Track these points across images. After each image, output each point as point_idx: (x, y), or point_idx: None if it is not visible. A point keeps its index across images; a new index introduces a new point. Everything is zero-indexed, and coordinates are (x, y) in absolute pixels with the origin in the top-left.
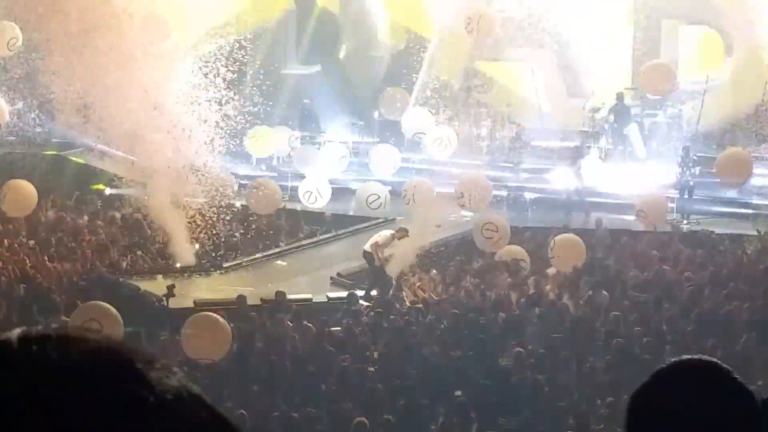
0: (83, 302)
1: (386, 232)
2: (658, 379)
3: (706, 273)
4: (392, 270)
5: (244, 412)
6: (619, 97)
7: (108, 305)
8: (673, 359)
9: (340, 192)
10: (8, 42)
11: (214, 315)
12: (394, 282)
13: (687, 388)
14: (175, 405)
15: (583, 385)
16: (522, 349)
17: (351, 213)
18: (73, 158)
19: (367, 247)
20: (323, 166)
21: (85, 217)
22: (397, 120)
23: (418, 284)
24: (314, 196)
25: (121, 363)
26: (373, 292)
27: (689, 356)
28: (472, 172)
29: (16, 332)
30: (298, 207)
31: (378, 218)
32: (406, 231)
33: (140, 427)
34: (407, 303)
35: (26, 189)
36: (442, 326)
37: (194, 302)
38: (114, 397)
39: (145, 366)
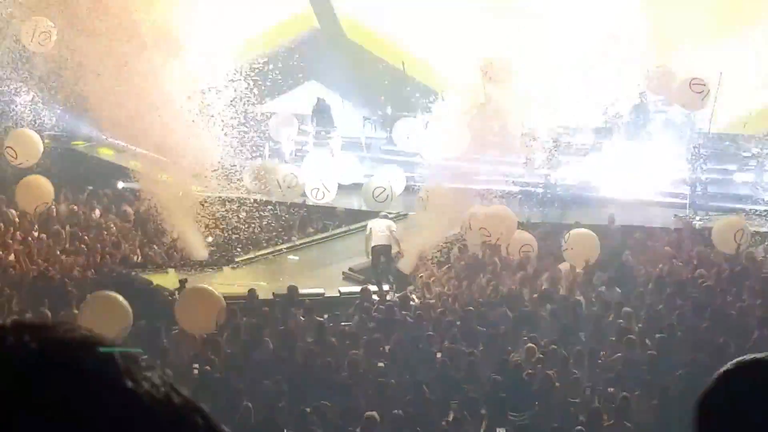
0: None
1: (379, 223)
2: (725, 379)
3: (718, 269)
4: (404, 266)
5: (250, 404)
6: (643, 95)
7: (117, 295)
8: (737, 359)
9: (352, 187)
10: (35, 36)
11: (203, 285)
12: (406, 274)
13: (756, 386)
14: (148, 398)
15: (595, 381)
16: (533, 345)
17: (364, 208)
18: (85, 151)
19: (380, 240)
20: (332, 165)
21: (98, 211)
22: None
23: (431, 279)
24: (321, 192)
25: (100, 355)
26: (385, 287)
27: (753, 355)
28: (499, 207)
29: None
30: (310, 202)
31: (390, 213)
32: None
33: (116, 417)
34: (418, 299)
35: (42, 184)
36: (456, 322)
37: None
38: (90, 383)
39: (125, 361)
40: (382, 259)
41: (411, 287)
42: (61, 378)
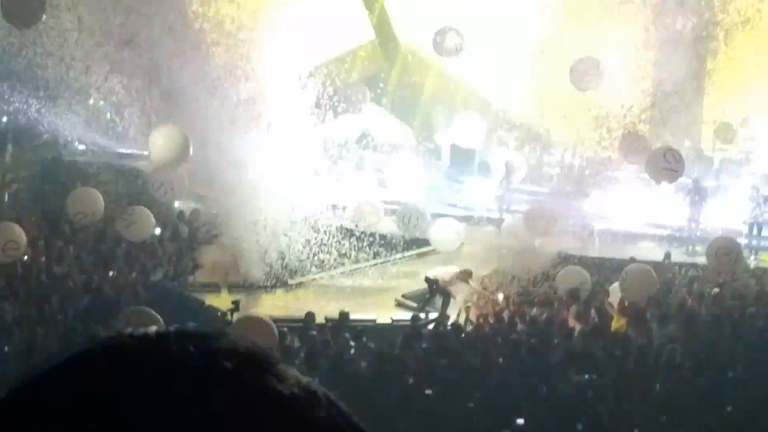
0: None
1: (452, 269)
2: None
3: None
4: (457, 295)
5: None
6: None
7: (151, 311)
8: None
9: None
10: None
11: (259, 315)
12: (458, 306)
13: None
14: (308, 401)
15: (645, 417)
16: (583, 379)
17: (417, 235)
18: (142, 168)
19: (431, 275)
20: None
21: (157, 230)
22: (470, 149)
23: (481, 308)
24: (364, 222)
25: (261, 360)
26: (432, 315)
27: None
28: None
29: (153, 328)
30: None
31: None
32: (470, 273)
33: (277, 420)
34: (468, 328)
35: (93, 196)
36: (503, 353)
37: None
38: (255, 393)
39: (281, 365)
40: (430, 289)
41: (462, 316)
42: (225, 391)
